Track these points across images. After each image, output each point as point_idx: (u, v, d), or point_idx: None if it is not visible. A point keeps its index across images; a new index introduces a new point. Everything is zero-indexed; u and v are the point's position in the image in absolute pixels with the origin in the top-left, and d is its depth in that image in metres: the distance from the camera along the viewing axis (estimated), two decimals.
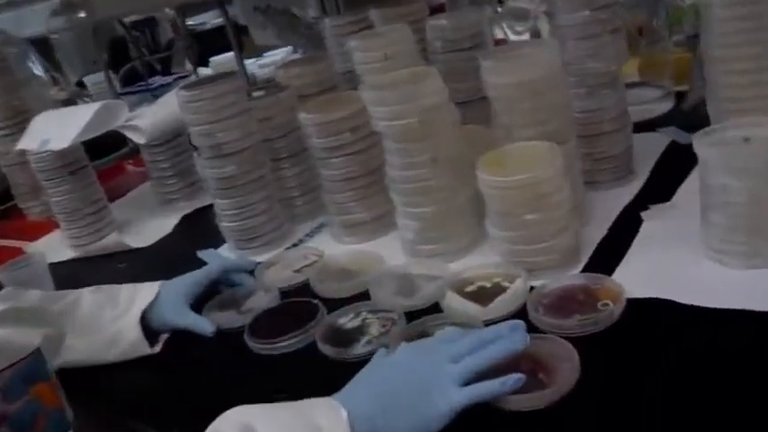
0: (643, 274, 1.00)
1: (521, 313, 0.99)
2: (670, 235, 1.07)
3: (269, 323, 1.13)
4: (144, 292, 1.18)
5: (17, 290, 1.21)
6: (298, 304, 1.15)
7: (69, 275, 1.55)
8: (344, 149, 1.27)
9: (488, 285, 1.07)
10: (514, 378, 0.81)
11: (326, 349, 1.02)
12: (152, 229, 1.68)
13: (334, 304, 1.13)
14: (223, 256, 1.44)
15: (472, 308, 1.02)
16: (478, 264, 1.11)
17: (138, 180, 2.01)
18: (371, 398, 0.81)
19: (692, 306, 0.91)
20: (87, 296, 1.19)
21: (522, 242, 1.06)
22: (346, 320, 1.08)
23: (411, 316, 1.05)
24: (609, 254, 1.07)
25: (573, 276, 1.03)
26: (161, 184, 1.78)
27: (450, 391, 0.80)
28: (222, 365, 1.11)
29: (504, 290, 1.04)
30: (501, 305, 1.01)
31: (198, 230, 1.61)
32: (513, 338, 0.85)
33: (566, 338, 0.90)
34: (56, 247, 1.70)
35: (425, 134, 1.11)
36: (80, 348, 1.15)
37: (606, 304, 0.95)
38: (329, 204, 1.34)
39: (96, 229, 1.65)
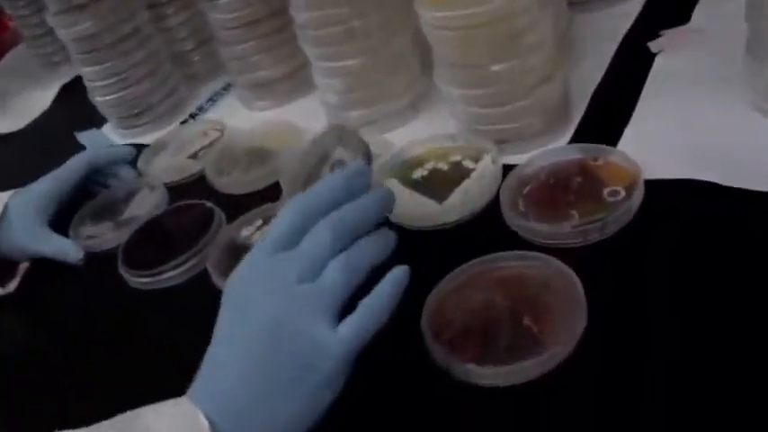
0: (663, 141, 0.69)
1: (490, 210, 0.69)
2: (696, 76, 0.75)
3: (148, 243, 0.82)
4: None
5: None
6: (188, 210, 0.84)
7: None
8: None
9: (444, 167, 0.76)
10: (397, 275, 0.52)
11: (222, 283, 0.72)
12: (25, 105, 1.33)
13: (240, 204, 0.83)
14: (106, 137, 1.11)
15: (426, 205, 0.72)
16: (429, 136, 0.79)
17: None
18: (236, 382, 0.50)
19: (743, 190, 0.61)
20: None
21: (487, 103, 0.73)
22: (251, 231, 0.78)
23: None
24: (609, 110, 0.75)
25: (562, 149, 0.72)
26: (35, 43, 1.41)
27: (326, 342, 0.49)
28: (97, 303, 0.81)
29: (466, 173, 0.73)
30: (465, 198, 0.71)
31: (81, 103, 1.26)
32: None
33: (557, 252, 0.61)
34: None
35: None
36: None
37: (615, 192, 0.64)
38: (228, 61, 1.00)
39: None
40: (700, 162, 0.64)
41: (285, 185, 0.67)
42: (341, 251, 0.51)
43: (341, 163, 0.62)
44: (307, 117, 0.92)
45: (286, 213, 0.53)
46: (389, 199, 0.57)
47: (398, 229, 0.70)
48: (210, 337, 0.53)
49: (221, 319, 0.52)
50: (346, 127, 0.66)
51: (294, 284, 0.50)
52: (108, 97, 1.05)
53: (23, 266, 0.89)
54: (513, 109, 0.72)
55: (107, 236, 0.87)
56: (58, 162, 0.97)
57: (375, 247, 0.53)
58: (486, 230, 0.68)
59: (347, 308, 0.51)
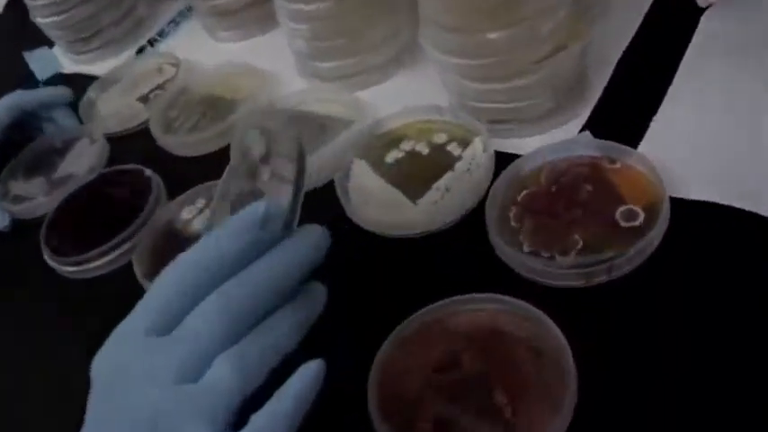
0: (700, 143, 0.54)
1: (473, 217, 0.55)
2: (753, 41, 0.58)
3: (75, 220, 0.69)
4: None
5: None
6: (123, 178, 0.71)
7: None
8: None
9: (424, 151, 0.61)
10: (309, 372, 0.38)
11: (148, 285, 0.60)
12: None
13: (189, 170, 0.70)
14: (56, 59, 0.97)
15: (396, 203, 0.58)
16: (410, 106, 0.64)
17: None
18: None
19: None
20: None
21: (482, 76, 0.58)
22: (192, 214, 0.65)
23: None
24: (635, 89, 0.60)
25: (571, 143, 0.57)
26: None
27: None
28: (18, 281, 0.70)
29: (450, 161, 0.59)
30: (445, 199, 0.57)
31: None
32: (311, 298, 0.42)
33: (549, 292, 0.48)
34: None
35: None
36: None
37: (632, 214, 0.50)
38: None
39: None
40: (749, 176, 0.50)
41: (215, 201, 0.52)
42: (239, 337, 0.38)
43: (277, 176, 0.47)
44: (276, 56, 0.77)
45: (162, 281, 0.39)
46: (319, 247, 0.42)
47: (358, 231, 0.57)
48: None
49: (92, 403, 0.39)
50: (272, 123, 0.49)
51: (172, 383, 0.36)
52: (51, 18, 0.89)
53: None
54: (513, 85, 0.57)
55: (38, 199, 0.74)
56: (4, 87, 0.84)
57: (288, 327, 0.39)
58: (467, 245, 0.54)
59: (257, 403, 0.38)
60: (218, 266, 0.38)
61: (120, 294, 0.61)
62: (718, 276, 0.46)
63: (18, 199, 0.75)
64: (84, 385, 0.39)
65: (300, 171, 0.44)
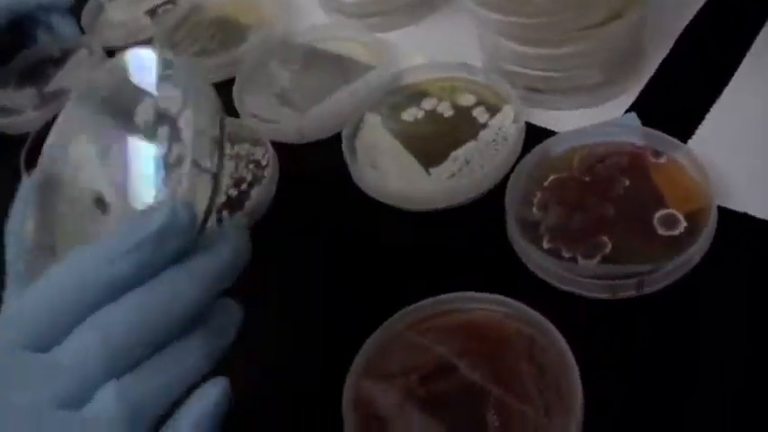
0: (762, 146, 0.47)
1: (492, 197, 0.48)
2: None
3: None
4: None
5: None
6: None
7: None
8: None
9: (447, 112, 0.54)
10: (207, 401, 0.30)
11: None
12: None
13: None
14: None
15: (408, 169, 0.52)
16: (438, 61, 0.57)
17: None
18: None
19: None
20: None
21: (524, 36, 0.51)
22: None
23: (301, 151, 0.56)
24: (695, 70, 0.52)
25: (612, 126, 0.50)
26: None
27: None
28: None
29: (474, 128, 0.52)
30: (463, 171, 0.50)
31: None
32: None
33: (567, 298, 0.42)
34: None
35: None
36: None
37: (672, 220, 0.44)
38: None
39: None
40: None
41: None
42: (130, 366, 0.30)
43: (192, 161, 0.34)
44: None
45: (40, 290, 0.31)
46: (236, 262, 0.33)
47: (359, 196, 0.51)
48: None
49: None
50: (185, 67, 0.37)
51: (52, 409, 0.30)
52: None
53: None
54: (557, 52, 0.50)
55: (26, 113, 0.68)
56: None
57: (195, 359, 0.31)
58: (480, 231, 0.48)
59: None
60: (100, 291, 0.30)
61: None
62: (763, 301, 0.40)
63: (5, 111, 0.69)
64: None
65: (221, 156, 0.35)
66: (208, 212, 0.34)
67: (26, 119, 0.68)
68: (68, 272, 0.31)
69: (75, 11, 0.76)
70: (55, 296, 0.31)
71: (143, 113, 0.37)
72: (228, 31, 0.67)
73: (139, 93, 0.37)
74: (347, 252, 0.49)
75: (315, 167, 0.54)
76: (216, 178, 0.34)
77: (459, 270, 0.46)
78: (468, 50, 0.56)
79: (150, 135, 0.36)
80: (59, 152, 0.39)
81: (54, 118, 0.58)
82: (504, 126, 0.52)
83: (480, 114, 0.53)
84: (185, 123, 0.35)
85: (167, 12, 0.73)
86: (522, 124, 0.51)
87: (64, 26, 0.74)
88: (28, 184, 0.39)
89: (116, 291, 0.30)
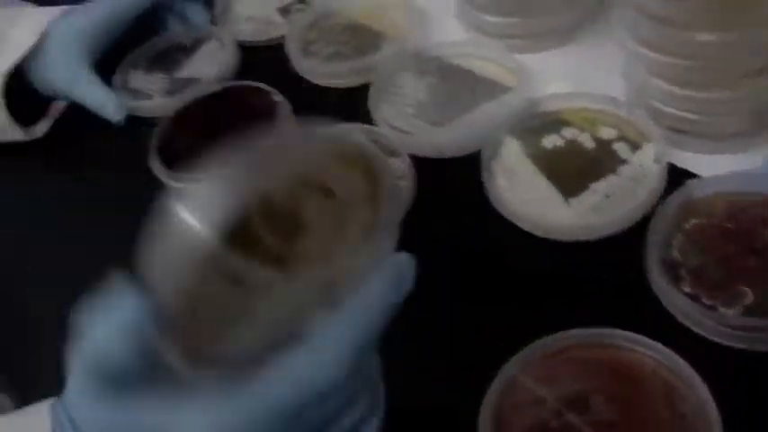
0: None
1: (631, 236, 0.49)
2: None
3: (191, 131, 0.65)
4: (16, 35, 0.69)
5: None
6: (248, 96, 0.66)
7: None
8: None
9: (588, 144, 0.55)
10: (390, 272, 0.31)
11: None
12: None
13: (321, 101, 0.65)
14: None
15: (546, 196, 0.52)
16: (580, 90, 0.57)
17: None
18: None
19: None
20: None
21: (678, 77, 0.51)
22: None
23: (435, 165, 0.56)
24: None
25: (761, 176, 0.50)
26: None
27: None
28: (127, 180, 0.66)
29: (614, 162, 0.53)
30: (603, 204, 0.50)
31: None
32: None
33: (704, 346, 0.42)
34: None
35: None
36: None
37: None
38: None
39: None
40: None
41: None
42: None
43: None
44: None
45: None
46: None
47: (496, 218, 0.52)
48: None
49: None
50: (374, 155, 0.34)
51: None
52: None
53: (58, 107, 0.73)
54: (710, 96, 0.50)
55: (155, 99, 0.70)
56: None
57: None
58: (619, 267, 0.48)
59: None
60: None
61: None
62: None
63: (136, 93, 0.72)
64: None
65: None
66: None
67: (155, 103, 0.70)
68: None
69: (207, 2, 0.77)
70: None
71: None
72: (362, 38, 0.69)
73: None
74: (477, 271, 0.50)
75: (451, 184, 0.55)
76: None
77: (594, 303, 0.46)
78: (610, 81, 0.57)
79: None
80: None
81: (182, 107, 0.60)
82: (646, 164, 0.52)
83: (621, 149, 0.53)
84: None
85: (300, 11, 0.74)
86: (665, 164, 0.51)
87: (196, 16, 0.76)
88: None
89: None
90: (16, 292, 0.60)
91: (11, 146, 0.71)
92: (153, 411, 0.30)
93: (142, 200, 0.59)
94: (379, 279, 0.31)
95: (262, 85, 0.65)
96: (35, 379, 0.51)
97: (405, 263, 0.32)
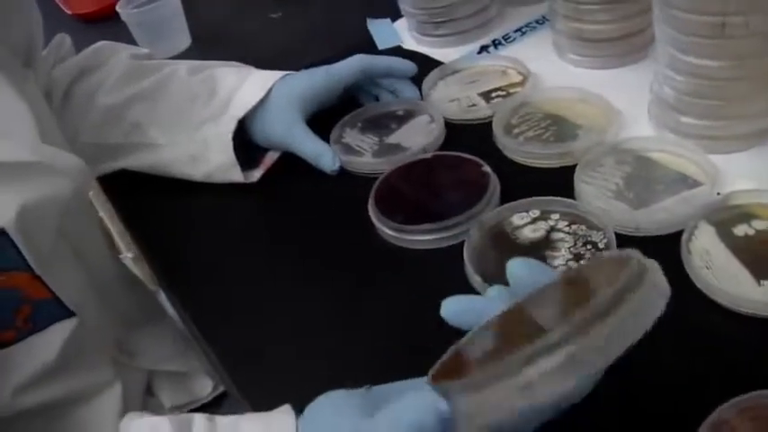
0: None
1: None
2: None
3: (407, 190, 0.74)
4: (247, 89, 0.81)
5: (113, 46, 0.89)
6: (461, 165, 0.74)
7: (211, 17, 1.21)
8: None
9: None
10: None
11: (473, 274, 0.63)
12: None
13: (519, 177, 0.73)
14: (396, 33, 1.03)
15: (738, 278, 0.58)
16: (764, 187, 0.64)
17: None
18: None
19: None
20: (181, 76, 0.84)
21: None
22: (523, 221, 0.67)
23: (633, 242, 0.62)
24: None
25: None
26: None
27: None
28: (339, 229, 0.75)
29: None
30: None
31: None
32: None
33: None
34: None
35: None
36: (162, 150, 0.83)
37: None
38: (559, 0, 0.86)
39: None
40: None
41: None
42: None
43: None
44: (626, 92, 0.78)
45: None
46: None
47: (692, 294, 0.58)
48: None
49: None
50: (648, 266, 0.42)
51: None
52: None
53: (271, 157, 0.84)
54: None
55: (365, 157, 0.80)
56: (339, 41, 0.91)
57: None
58: None
59: None
60: None
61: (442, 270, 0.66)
62: None
63: (348, 148, 0.82)
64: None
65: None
66: None
67: (365, 161, 0.80)
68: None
69: (416, 80, 0.88)
70: None
71: None
72: (562, 126, 0.77)
73: None
74: (673, 343, 0.56)
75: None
76: None
77: None
78: None
79: None
80: None
81: (403, 166, 0.72)
82: None
83: None
84: None
85: (501, 98, 0.83)
86: None
87: (406, 92, 0.86)
88: None
89: None
90: None
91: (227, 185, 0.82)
92: None
93: (353, 244, 0.69)
94: None
95: (473, 156, 0.74)
96: None
97: None
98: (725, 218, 0.63)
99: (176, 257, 0.78)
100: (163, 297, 0.85)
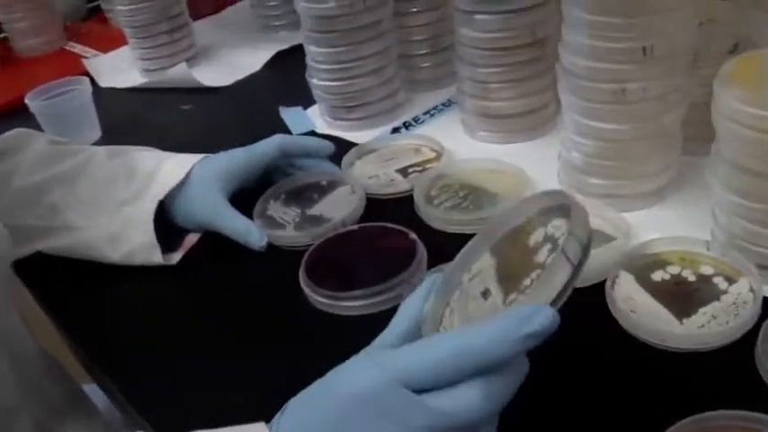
0: None
1: (736, 349, 0.58)
2: None
3: (337, 259, 0.76)
4: (167, 170, 0.82)
5: (30, 133, 0.89)
6: (388, 235, 0.77)
7: (121, 109, 1.22)
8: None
9: (690, 278, 0.65)
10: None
11: None
12: (236, 63, 1.31)
13: (441, 244, 0.75)
14: (309, 119, 1.06)
15: (661, 317, 0.62)
16: (677, 236, 0.69)
17: None
18: None
19: None
20: (99, 159, 0.84)
21: (765, 220, 0.62)
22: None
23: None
24: None
25: None
26: (260, 3, 1.39)
27: None
28: (262, 296, 0.75)
29: (716, 293, 0.63)
30: (711, 324, 0.60)
31: (292, 75, 1.18)
32: None
33: None
34: (123, 67, 1.38)
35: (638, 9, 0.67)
36: (80, 232, 0.82)
37: None
38: (464, 81, 0.91)
39: (170, 53, 1.32)
40: None
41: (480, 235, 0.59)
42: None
43: (555, 244, 0.50)
44: (535, 163, 0.83)
45: (438, 347, 0.44)
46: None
47: (621, 337, 0.61)
48: None
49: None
50: (574, 201, 0.51)
51: None
52: (327, 83, 0.99)
53: (190, 239, 0.84)
54: None
55: (287, 230, 0.82)
56: (252, 129, 0.94)
57: None
58: (729, 373, 0.57)
59: None
60: (475, 364, 0.43)
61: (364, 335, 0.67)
62: None
63: (271, 221, 0.83)
64: None
65: (583, 260, 0.48)
66: (558, 297, 0.46)
67: (287, 234, 0.81)
68: (457, 342, 0.44)
69: (334, 161, 0.91)
70: (442, 357, 0.44)
71: (534, 238, 0.53)
72: (478, 195, 0.81)
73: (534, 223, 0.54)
74: (603, 378, 0.59)
75: (578, 309, 0.65)
76: (575, 271, 0.47)
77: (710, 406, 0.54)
78: (696, 225, 0.70)
79: (535, 251, 0.51)
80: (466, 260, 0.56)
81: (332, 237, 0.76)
82: (743, 293, 0.62)
83: (720, 282, 0.64)
84: (560, 233, 0.48)
85: (418, 175, 0.87)
86: (760, 297, 0.61)
87: (325, 166, 0.89)
88: (434, 277, 0.55)
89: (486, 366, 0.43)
90: None
91: (146, 269, 0.81)
92: None
93: (284, 317, 0.69)
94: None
95: (399, 226, 0.77)
96: None
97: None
98: (641, 264, 0.67)
99: (100, 344, 0.76)
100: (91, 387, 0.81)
